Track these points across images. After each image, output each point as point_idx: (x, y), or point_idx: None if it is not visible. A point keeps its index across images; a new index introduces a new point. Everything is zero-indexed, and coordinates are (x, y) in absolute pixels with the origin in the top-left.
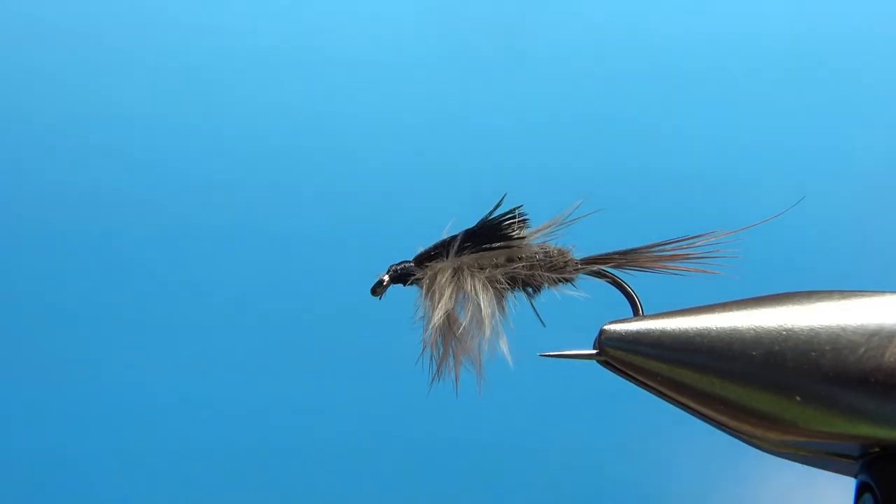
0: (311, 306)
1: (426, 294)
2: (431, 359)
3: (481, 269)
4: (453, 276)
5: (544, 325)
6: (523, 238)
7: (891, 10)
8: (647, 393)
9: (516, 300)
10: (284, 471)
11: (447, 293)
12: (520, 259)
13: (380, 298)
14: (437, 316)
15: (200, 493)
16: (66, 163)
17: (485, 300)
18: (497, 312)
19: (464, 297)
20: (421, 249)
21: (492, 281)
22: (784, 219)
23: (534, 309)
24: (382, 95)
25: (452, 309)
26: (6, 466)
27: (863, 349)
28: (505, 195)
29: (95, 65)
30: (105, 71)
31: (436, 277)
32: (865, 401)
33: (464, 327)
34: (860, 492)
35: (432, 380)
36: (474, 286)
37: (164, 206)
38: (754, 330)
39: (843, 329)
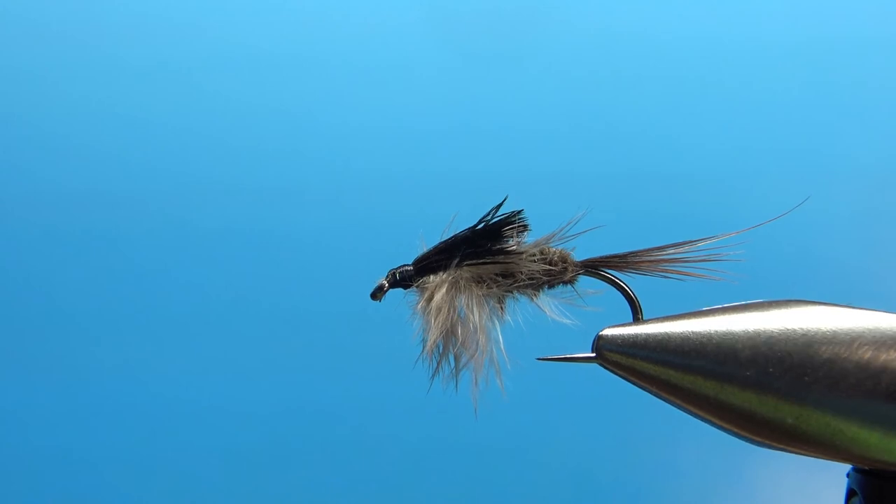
0: (312, 307)
1: (423, 311)
2: (430, 363)
3: (480, 283)
4: (450, 290)
5: (546, 315)
6: (522, 254)
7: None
8: (646, 393)
9: (516, 300)
10: (285, 471)
11: (444, 311)
12: (521, 273)
13: (379, 302)
14: (435, 335)
15: (201, 494)
16: (65, 163)
17: (482, 318)
18: (495, 327)
19: (462, 312)
20: (421, 251)
21: (490, 298)
22: (788, 221)
23: (537, 306)
24: (382, 97)
25: (451, 327)
26: (6, 466)
27: (864, 359)
28: (506, 196)
29: (95, 65)
30: (105, 71)
31: (433, 297)
32: (864, 414)
33: (462, 342)
34: (850, 494)
35: (431, 380)
36: (471, 305)
37: (167, 207)
38: (755, 335)
39: (847, 338)
